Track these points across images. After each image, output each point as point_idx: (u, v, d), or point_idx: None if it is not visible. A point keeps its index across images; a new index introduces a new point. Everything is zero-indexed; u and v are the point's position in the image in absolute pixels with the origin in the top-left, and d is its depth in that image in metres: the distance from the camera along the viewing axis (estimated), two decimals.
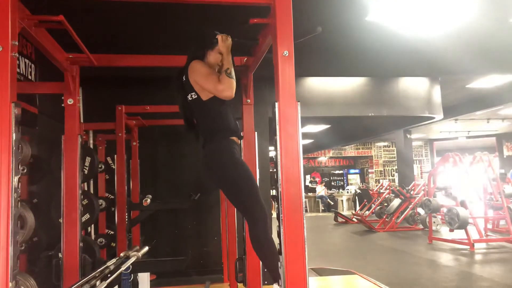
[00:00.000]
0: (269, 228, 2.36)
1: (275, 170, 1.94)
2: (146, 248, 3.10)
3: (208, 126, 2.51)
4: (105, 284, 2.20)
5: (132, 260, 2.66)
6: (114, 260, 2.61)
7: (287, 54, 1.95)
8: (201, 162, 2.52)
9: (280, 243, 1.87)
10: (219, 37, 2.38)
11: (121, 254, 2.77)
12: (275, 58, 1.96)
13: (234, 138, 2.52)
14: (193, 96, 2.47)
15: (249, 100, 3.13)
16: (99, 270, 2.37)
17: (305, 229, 1.86)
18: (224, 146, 2.44)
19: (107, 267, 2.44)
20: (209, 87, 2.39)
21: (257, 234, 2.31)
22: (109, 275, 2.38)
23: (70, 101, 2.74)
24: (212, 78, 2.37)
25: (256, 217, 2.33)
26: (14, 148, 1.71)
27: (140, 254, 2.82)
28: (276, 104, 1.94)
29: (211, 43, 2.49)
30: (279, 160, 1.91)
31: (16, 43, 1.75)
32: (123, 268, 2.46)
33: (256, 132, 3.18)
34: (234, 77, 2.34)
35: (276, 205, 1.95)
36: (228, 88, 2.31)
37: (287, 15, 1.98)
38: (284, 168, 1.90)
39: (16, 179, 1.70)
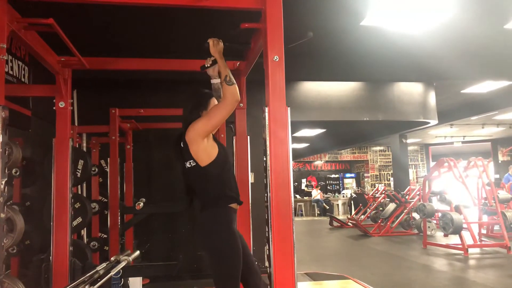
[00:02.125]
0: None
1: (264, 174, 1.94)
2: (137, 253, 3.08)
3: (207, 193, 2.43)
4: None
5: (123, 264, 2.64)
6: (104, 265, 2.59)
7: (278, 59, 1.95)
8: (196, 226, 2.49)
9: (268, 249, 1.86)
10: (210, 41, 2.36)
11: (112, 259, 2.75)
12: (266, 63, 1.96)
13: (233, 205, 2.45)
14: (191, 163, 2.39)
15: (241, 104, 3.13)
16: (88, 274, 2.36)
17: (294, 234, 1.86)
18: (221, 217, 2.37)
19: (97, 271, 2.42)
20: (219, 116, 2.29)
21: None
22: (98, 280, 2.36)
23: (61, 104, 2.73)
24: (212, 110, 2.33)
25: None
26: (1, 151, 1.69)
27: (131, 258, 2.80)
28: (266, 108, 1.94)
29: (205, 103, 2.45)
30: (268, 164, 1.91)
31: (4, 45, 1.74)
32: (112, 272, 2.44)
33: (249, 136, 3.18)
34: (234, 81, 2.26)
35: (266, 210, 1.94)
36: (233, 96, 2.23)
37: (277, 21, 1.98)
38: (274, 172, 1.90)
39: (3, 182, 1.69)
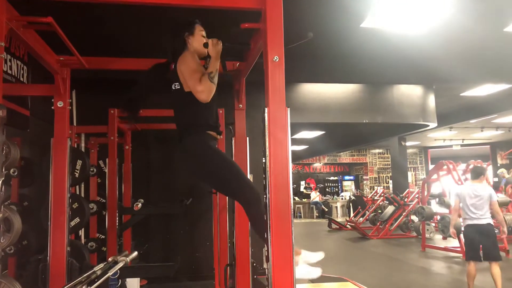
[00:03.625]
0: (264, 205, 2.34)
1: (264, 176, 1.92)
2: (135, 253, 3.06)
3: (186, 119, 2.47)
4: None
5: (120, 265, 2.62)
6: (101, 265, 2.57)
7: (278, 60, 1.93)
8: (179, 157, 2.50)
9: (267, 250, 1.84)
10: (209, 41, 2.36)
11: (109, 259, 2.73)
12: (265, 63, 1.95)
13: (212, 132, 2.48)
14: (176, 86, 2.43)
15: (241, 105, 3.11)
16: (85, 275, 2.34)
17: (293, 236, 1.84)
18: (199, 140, 2.41)
19: (94, 272, 2.40)
20: (190, 83, 2.34)
21: (254, 215, 2.24)
22: (96, 280, 2.34)
23: (60, 104, 2.71)
24: (195, 77, 2.32)
25: (247, 198, 2.29)
26: None
27: (128, 259, 2.78)
28: (266, 109, 1.92)
29: (189, 27, 2.48)
30: (267, 166, 1.89)
31: (3, 44, 1.73)
32: (110, 273, 2.43)
33: (248, 138, 3.16)
34: (215, 82, 2.31)
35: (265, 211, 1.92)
36: (205, 91, 2.27)
37: (277, 21, 1.97)
38: (273, 174, 1.88)
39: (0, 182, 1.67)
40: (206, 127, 2.46)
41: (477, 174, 5.08)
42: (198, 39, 2.49)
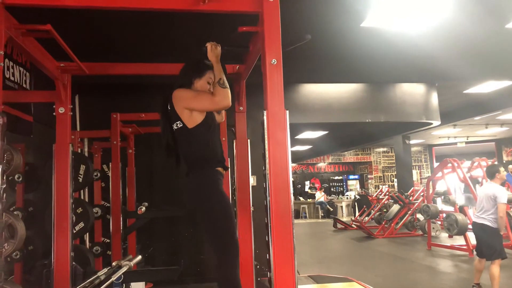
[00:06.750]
0: (238, 270, 2.34)
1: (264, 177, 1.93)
2: (139, 257, 3.07)
3: (194, 155, 2.47)
4: None
5: (124, 269, 2.63)
6: (105, 270, 2.58)
7: (276, 62, 1.94)
8: (184, 190, 2.49)
9: (268, 252, 1.85)
10: (208, 45, 2.36)
11: (113, 264, 2.74)
12: (264, 66, 1.96)
13: (220, 168, 2.48)
14: (178, 125, 2.43)
15: (241, 108, 3.12)
16: (89, 280, 2.35)
17: (294, 238, 1.84)
18: (208, 178, 2.41)
19: (98, 277, 2.41)
20: (204, 105, 2.36)
21: (226, 276, 2.29)
22: (99, 285, 2.35)
23: (61, 110, 2.73)
24: (203, 95, 2.36)
25: (227, 256, 2.31)
26: None
27: (132, 263, 2.79)
28: (265, 112, 1.93)
29: (201, 71, 2.48)
30: (267, 167, 1.90)
31: (1, 52, 1.74)
32: (113, 278, 2.43)
33: (249, 140, 3.17)
34: (227, 86, 2.32)
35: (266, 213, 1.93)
36: (224, 98, 2.29)
37: (275, 24, 1.97)
38: (273, 175, 1.89)
39: (2, 188, 1.68)
40: (215, 163, 2.46)
41: (490, 174, 5.09)
42: (202, 84, 2.50)
